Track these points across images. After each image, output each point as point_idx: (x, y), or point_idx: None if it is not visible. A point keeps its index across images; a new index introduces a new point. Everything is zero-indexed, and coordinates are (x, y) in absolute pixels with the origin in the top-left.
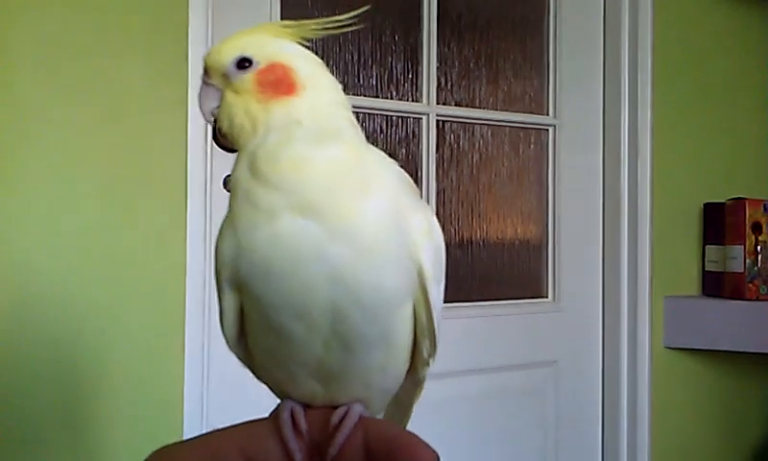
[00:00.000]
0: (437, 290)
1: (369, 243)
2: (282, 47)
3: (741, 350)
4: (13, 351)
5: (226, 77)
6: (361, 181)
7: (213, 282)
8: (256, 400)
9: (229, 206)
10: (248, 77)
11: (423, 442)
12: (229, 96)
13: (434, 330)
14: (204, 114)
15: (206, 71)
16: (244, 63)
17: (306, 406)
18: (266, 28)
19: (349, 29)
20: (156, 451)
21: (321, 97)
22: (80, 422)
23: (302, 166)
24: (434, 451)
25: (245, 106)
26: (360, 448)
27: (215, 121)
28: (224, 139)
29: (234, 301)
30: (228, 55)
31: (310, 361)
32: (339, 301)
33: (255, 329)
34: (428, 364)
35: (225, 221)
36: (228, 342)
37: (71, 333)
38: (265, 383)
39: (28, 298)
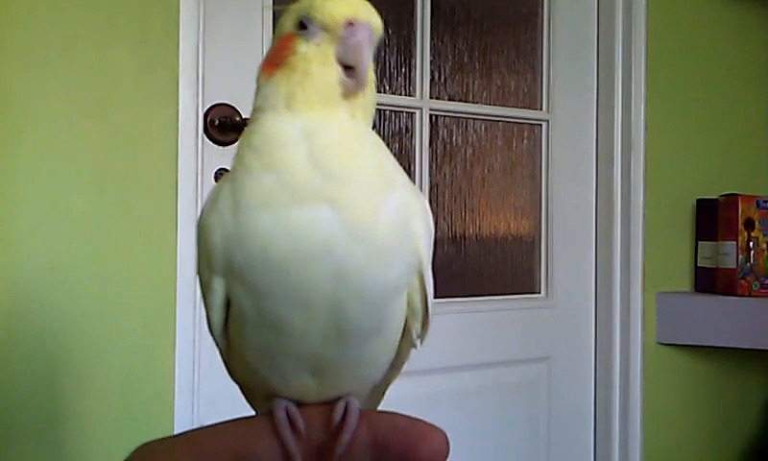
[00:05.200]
0: (430, 274)
1: (381, 243)
2: None
3: (733, 346)
4: (1, 347)
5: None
6: (384, 180)
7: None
8: None
9: (233, 178)
10: None
11: (432, 425)
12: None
13: (428, 314)
14: (364, 73)
15: (372, 34)
16: None
17: (297, 403)
18: None
19: None
20: (138, 448)
21: None
22: (69, 417)
23: (355, 160)
24: (444, 433)
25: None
26: (366, 443)
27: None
28: (345, 99)
29: (222, 290)
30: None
31: (306, 355)
32: (341, 294)
33: (247, 324)
34: (416, 346)
35: (219, 196)
36: (212, 333)
37: (60, 328)
38: (241, 382)
39: (16, 292)
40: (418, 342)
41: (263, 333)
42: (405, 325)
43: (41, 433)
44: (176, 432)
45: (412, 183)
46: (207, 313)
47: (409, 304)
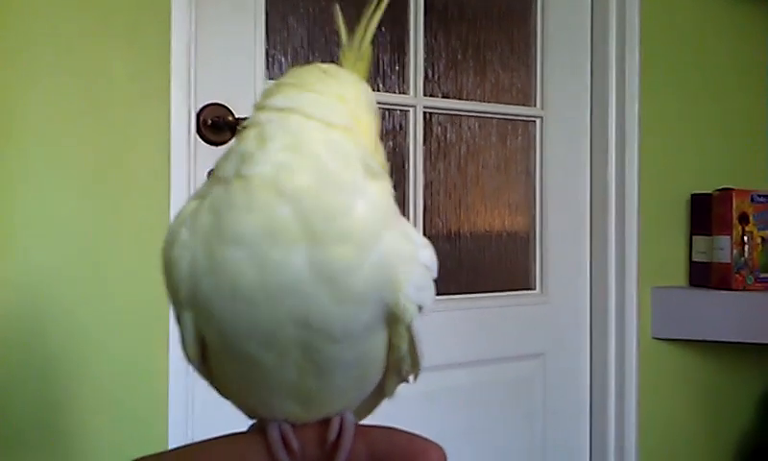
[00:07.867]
0: (419, 319)
1: (354, 290)
2: None
3: (728, 340)
4: None
5: None
6: (375, 227)
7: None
8: None
9: (213, 201)
10: None
11: (430, 442)
12: None
13: (417, 356)
14: None
15: None
16: None
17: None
18: None
19: None
20: None
21: None
22: (61, 421)
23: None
24: (442, 449)
25: None
26: (363, 460)
27: None
28: None
29: (192, 324)
30: None
31: (285, 386)
32: (307, 335)
33: (219, 357)
34: (407, 381)
35: (188, 221)
36: (190, 363)
37: (53, 331)
38: (233, 403)
39: (6, 294)
40: (408, 377)
41: (238, 366)
42: (394, 363)
43: (31, 437)
44: (170, 434)
45: (410, 225)
46: (183, 346)
47: (396, 347)
